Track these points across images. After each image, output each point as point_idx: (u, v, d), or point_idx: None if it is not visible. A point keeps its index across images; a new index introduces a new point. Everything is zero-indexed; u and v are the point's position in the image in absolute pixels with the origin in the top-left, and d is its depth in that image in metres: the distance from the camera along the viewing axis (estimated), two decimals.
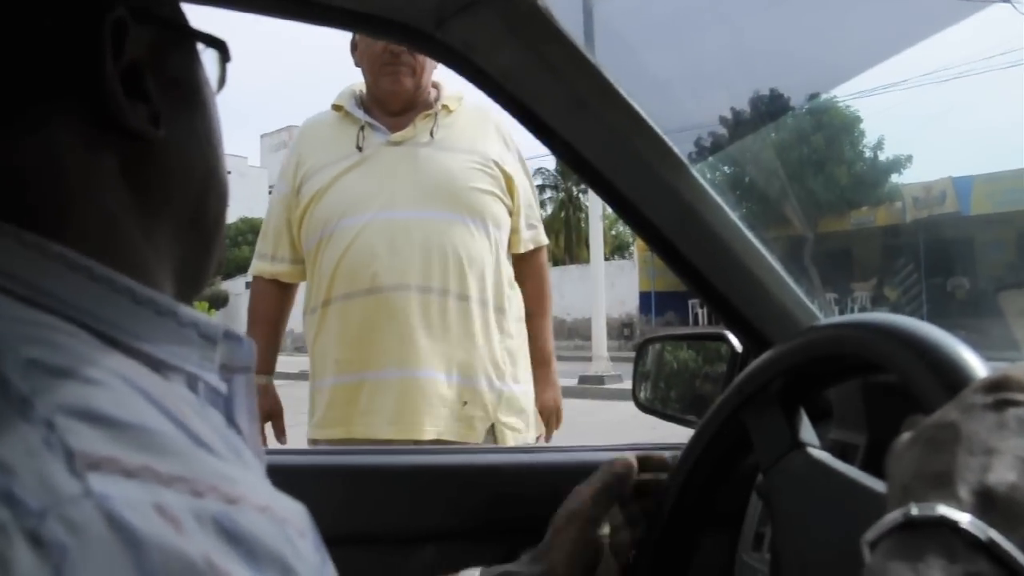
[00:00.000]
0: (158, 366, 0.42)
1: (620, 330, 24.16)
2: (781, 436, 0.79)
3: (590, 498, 0.84)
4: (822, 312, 1.21)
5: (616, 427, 8.86)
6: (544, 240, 2.23)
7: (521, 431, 2.07)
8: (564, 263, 29.37)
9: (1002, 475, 0.41)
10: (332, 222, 1.95)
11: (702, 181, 1.12)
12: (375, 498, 1.20)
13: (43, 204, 0.43)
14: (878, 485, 0.65)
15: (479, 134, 2.07)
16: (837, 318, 0.81)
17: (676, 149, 1.10)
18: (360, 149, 2.00)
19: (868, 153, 22.44)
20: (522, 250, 2.17)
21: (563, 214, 35.01)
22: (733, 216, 1.15)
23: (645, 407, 1.46)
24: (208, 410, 0.44)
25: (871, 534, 0.43)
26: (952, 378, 0.56)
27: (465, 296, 1.95)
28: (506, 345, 2.06)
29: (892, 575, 0.40)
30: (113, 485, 0.30)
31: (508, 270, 2.11)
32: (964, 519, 0.40)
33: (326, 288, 1.97)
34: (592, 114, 1.03)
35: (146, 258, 0.47)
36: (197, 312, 0.46)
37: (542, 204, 36.69)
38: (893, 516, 0.43)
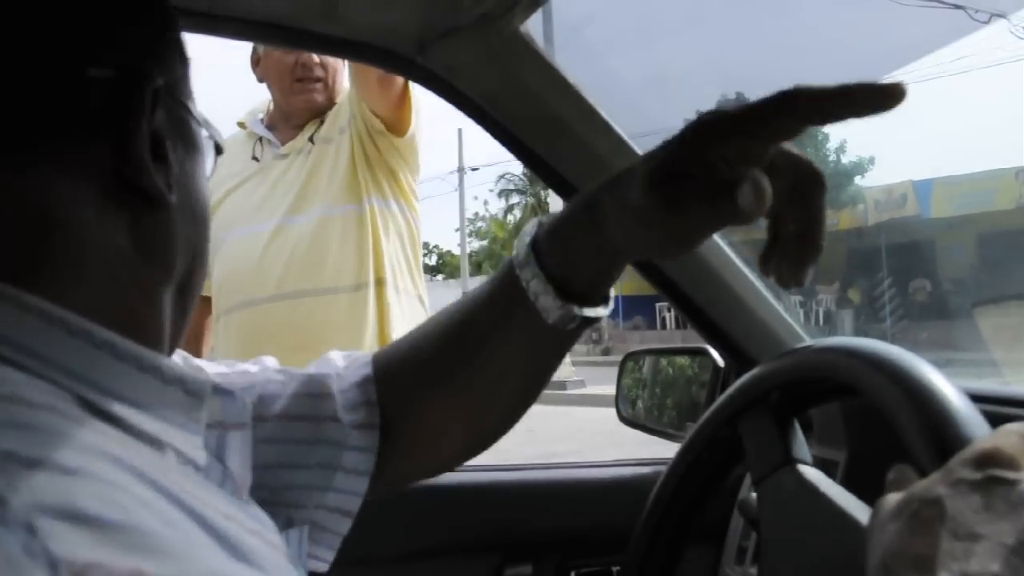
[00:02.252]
0: (146, 438, 0.40)
1: (588, 334, 24.24)
2: (775, 449, 0.78)
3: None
4: (801, 328, 1.22)
5: (575, 433, 8.88)
6: None
7: None
8: None
9: (984, 564, 0.40)
10: (218, 237, 1.94)
11: None
12: (369, 519, 1.20)
13: (39, 248, 0.41)
14: (863, 514, 0.66)
15: None
16: (832, 340, 0.79)
17: None
18: (257, 161, 2.00)
19: (831, 156, 22.71)
20: None
21: (533, 218, 35.04)
22: (715, 236, 1.16)
23: (628, 421, 1.46)
24: (206, 483, 0.42)
25: None
26: (946, 441, 0.55)
27: (359, 286, 1.92)
28: (407, 326, 2.02)
29: None
30: None
31: (409, 252, 2.04)
32: None
33: (215, 303, 1.98)
34: (575, 138, 1.04)
35: (145, 320, 0.46)
36: (183, 368, 0.44)
37: (510, 209, 36.72)
38: None
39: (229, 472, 0.47)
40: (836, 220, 21.25)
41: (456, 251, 27.54)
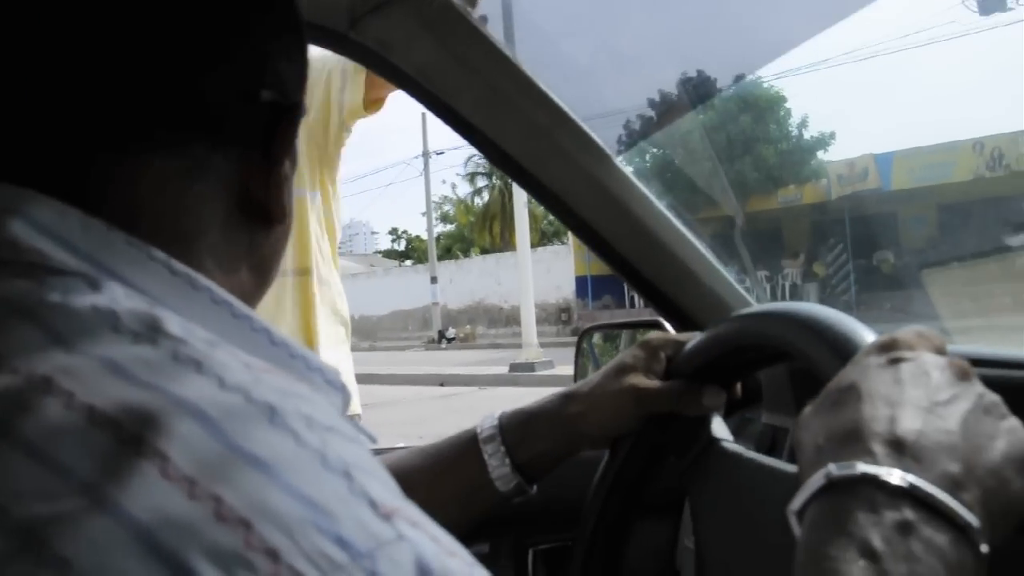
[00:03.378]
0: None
1: (558, 315, 24.33)
2: (696, 434, 0.81)
3: (657, 390, 0.81)
4: (753, 295, 1.23)
5: None
6: None
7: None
8: (501, 251, 29.42)
9: (908, 424, 0.44)
10: None
11: (627, 172, 1.13)
12: None
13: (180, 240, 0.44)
14: (790, 468, 0.67)
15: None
16: (734, 314, 0.84)
17: (600, 141, 1.10)
18: None
19: (794, 132, 22.88)
20: None
21: (500, 201, 35.09)
22: (659, 205, 1.16)
23: None
24: None
25: (796, 503, 0.45)
26: (846, 348, 0.58)
27: (283, 273, 1.92)
28: (327, 314, 2.06)
29: (825, 542, 0.41)
30: (411, 531, 0.33)
31: (326, 243, 2.08)
32: (884, 471, 0.42)
33: None
34: (512, 109, 1.03)
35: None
36: (318, 356, 0.47)
37: (478, 192, 36.69)
38: (814, 480, 0.44)
39: None
40: (800, 195, 21.44)
41: (425, 236, 27.56)
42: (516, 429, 0.83)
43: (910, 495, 0.41)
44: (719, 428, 0.83)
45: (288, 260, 1.90)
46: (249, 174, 0.48)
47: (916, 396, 0.46)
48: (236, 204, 0.47)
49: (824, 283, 19.73)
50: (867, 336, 0.59)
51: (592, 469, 0.93)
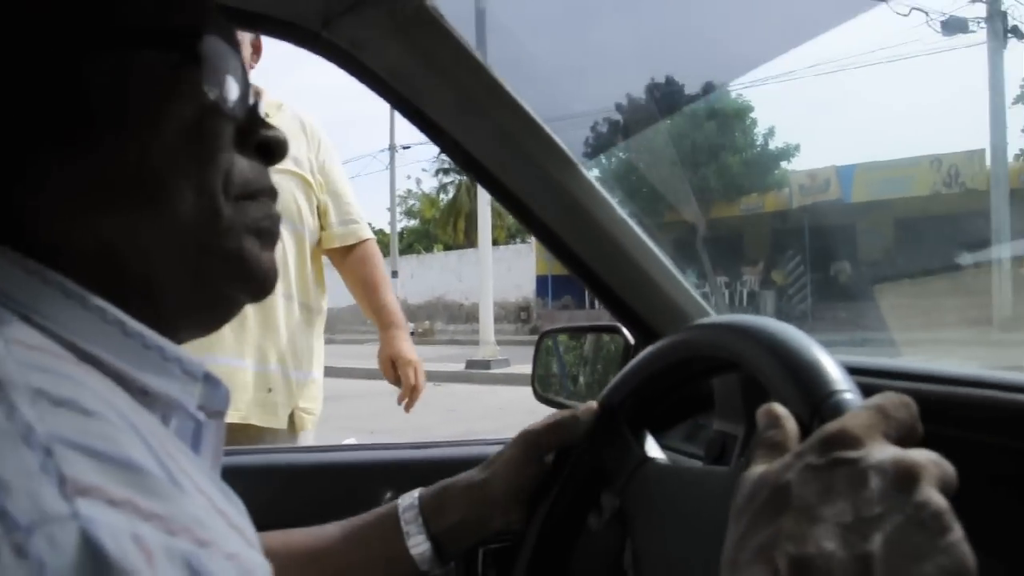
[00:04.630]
0: (143, 396, 0.44)
1: (517, 314, 24.35)
2: (630, 456, 0.83)
3: (545, 426, 0.88)
4: (711, 303, 1.25)
5: (495, 412, 8.95)
6: (366, 234, 2.33)
7: (316, 415, 2.28)
8: (465, 247, 29.35)
9: (820, 544, 0.43)
10: None
11: (590, 178, 1.15)
12: (271, 497, 1.19)
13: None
14: (722, 469, 0.69)
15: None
16: (684, 328, 0.85)
17: (565, 147, 1.11)
18: None
19: (759, 141, 23.12)
20: (336, 244, 2.28)
21: (465, 198, 34.98)
22: (621, 212, 1.17)
23: (544, 399, 1.48)
24: (184, 449, 0.44)
25: None
26: (810, 380, 0.58)
27: None
28: (308, 337, 2.23)
29: None
30: (98, 511, 0.32)
31: (313, 267, 2.25)
32: None
33: None
34: (480, 113, 1.04)
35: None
36: (181, 349, 0.48)
37: (444, 188, 36.54)
38: None
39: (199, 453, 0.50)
40: (762, 203, 21.67)
41: (389, 230, 27.37)
42: (433, 499, 0.86)
43: None
44: (652, 448, 0.85)
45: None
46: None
47: (841, 511, 0.44)
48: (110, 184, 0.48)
49: (782, 291, 19.96)
50: (833, 376, 0.58)
51: None
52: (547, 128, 1.08)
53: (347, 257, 2.30)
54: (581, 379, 1.49)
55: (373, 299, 2.33)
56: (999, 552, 0.64)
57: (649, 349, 0.85)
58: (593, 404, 0.89)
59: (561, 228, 1.17)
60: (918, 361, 0.87)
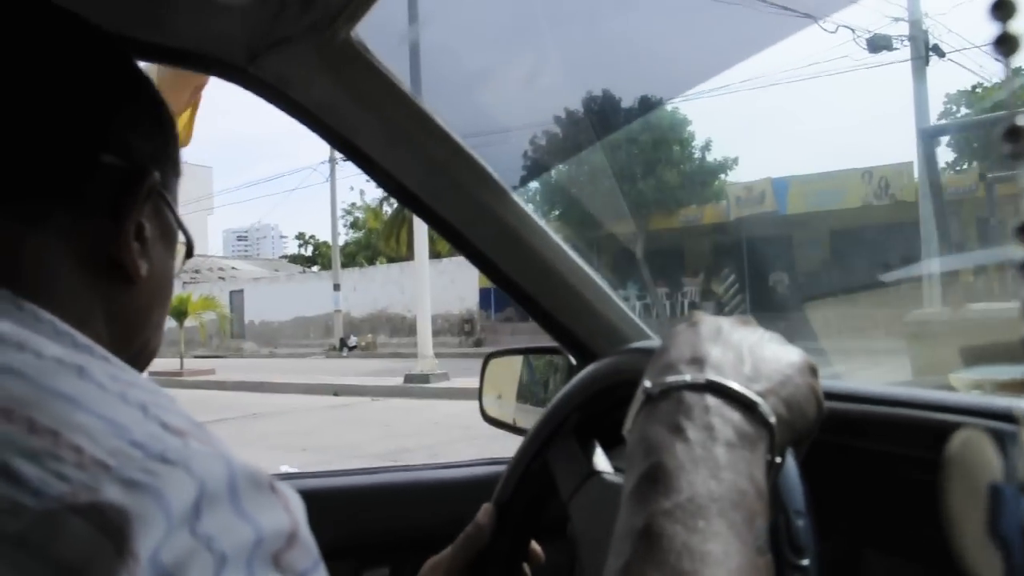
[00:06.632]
0: None
1: (461, 326, 24.30)
2: (579, 468, 0.85)
3: (452, 549, 0.90)
4: (653, 311, 1.27)
5: (431, 428, 8.91)
6: None
7: None
8: (408, 260, 29.16)
9: (705, 349, 0.56)
10: None
11: (523, 205, 1.16)
12: None
13: (22, 286, 0.49)
14: None
15: None
16: (618, 351, 0.88)
17: (496, 176, 1.13)
18: None
19: (697, 154, 23.44)
20: None
21: (404, 212, 34.71)
22: (556, 238, 1.19)
23: (491, 420, 1.49)
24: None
25: (626, 425, 0.55)
26: None
27: None
28: None
29: (643, 431, 0.52)
30: (200, 447, 0.41)
31: None
32: (688, 377, 0.53)
33: None
34: (410, 144, 1.05)
35: None
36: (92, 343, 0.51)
37: (387, 198, 36.16)
38: (636, 400, 0.55)
39: None
40: (701, 215, 21.98)
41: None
42: None
43: (710, 388, 0.52)
44: (600, 461, 0.86)
45: None
46: (97, 232, 0.54)
47: (709, 335, 0.58)
48: (87, 259, 0.53)
49: (721, 302, 20.24)
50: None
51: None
52: (478, 157, 1.09)
53: None
54: (529, 401, 1.51)
55: None
56: (919, 555, 0.68)
57: (584, 372, 0.87)
58: (489, 506, 0.92)
59: (497, 255, 1.18)
60: (841, 382, 0.92)
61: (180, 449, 0.39)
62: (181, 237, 0.63)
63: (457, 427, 8.43)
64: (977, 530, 0.41)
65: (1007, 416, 0.60)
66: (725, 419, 0.51)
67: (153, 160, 0.58)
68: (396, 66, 1.00)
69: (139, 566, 0.34)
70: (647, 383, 0.55)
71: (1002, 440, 0.49)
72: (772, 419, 0.52)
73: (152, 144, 0.59)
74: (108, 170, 0.54)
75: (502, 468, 1.35)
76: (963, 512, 0.43)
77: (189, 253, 0.65)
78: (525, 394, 1.51)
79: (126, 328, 0.57)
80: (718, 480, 0.48)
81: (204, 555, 0.37)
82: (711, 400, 0.52)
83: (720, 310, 20.08)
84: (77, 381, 0.42)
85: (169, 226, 0.61)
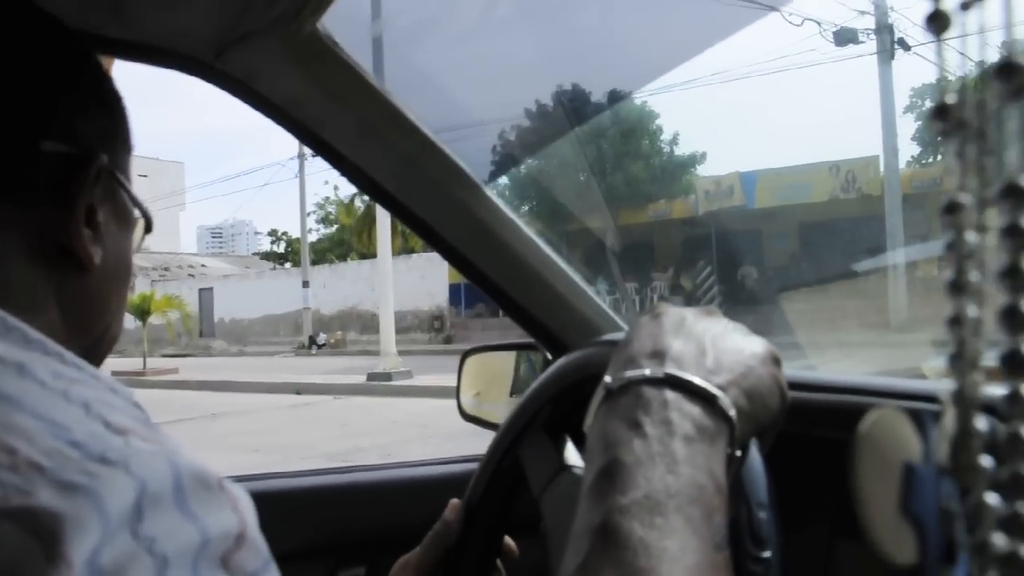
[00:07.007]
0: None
1: (431, 322, 24.24)
2: (550, 463, 0.85)
3: (422, 548, 0.90)
4: (622, 306, 1.28)
5: (388, 427, 8.85)
6: None
7: None
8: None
9: (667, 342, 0.55)
10: None
11: (496, 200, 1.16)
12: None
13: None
14: None
15: None
16: (587, 343, 0.88)
17: (468, 169, 1.12)
18: None
19: (665, 148, 23.55)
20: None
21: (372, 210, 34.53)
22: (529, 231, 1.19)
23: (469, 417, 1.49)
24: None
25: (587, 422, 0.55)
26: None
27: None
28: None
29: (603, 427, 0.51)
30: (144, 444, 0.40)
31: None
32: (647, 371, 0.53)
33: None
34: (379, 138, 1.04)
35: None
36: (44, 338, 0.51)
37: (359, 193, 35.94)
38: (596, 396, 0.54)
39: None
40: (670, 209, 22.08)
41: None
42: None
43: (669, 382, 0.52)
44: (572, 456, 0.86)
45: None
46: (46, 221, 0.53)
47: (671, 327, 0.57)
48: (37, 249, 0.52)
49: (690, 296, 20.36)
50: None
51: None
52: (449, 151, 1.08)
53: None
54: (506, 397, 1.51)
55: None
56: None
57: (554, 366, 0.88)
58: (456, 502, 0.93)
59: (469, 249, 1.18)
60: (813, 372, 0.93)
61: (121, 448, 0.39)
62: (137, 213, 0.62)
63: (415, 425, 8.42)
64: (889, 509, 0.42)
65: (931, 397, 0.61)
66: (684, 413, 0.50)
67: (101, 141, 0.57)
68: (364, 59, 0.99)
69: (72, 570, 0.34)
70: (607, 378, 0.54)
71: (921, 420, 0.50)
72: (732, 412, 0.52)
73: (97, 125, 0.58)
74: (52, 157, 0.53)
75: (477, 465, 1.36)
76: (873, 490, 0.44)
77: (148, 228, 0.64)
78: (501, 391, 1.51)
79: (84, 316, 0.56)
80: (676, 475, 0.47)
81: (145, 558, 0.36)
82: (670, 394, 0.51)
83: (689, 303, 20.09)
84: (16, 380, 0.41)
85: (124, 206, 0.60)
